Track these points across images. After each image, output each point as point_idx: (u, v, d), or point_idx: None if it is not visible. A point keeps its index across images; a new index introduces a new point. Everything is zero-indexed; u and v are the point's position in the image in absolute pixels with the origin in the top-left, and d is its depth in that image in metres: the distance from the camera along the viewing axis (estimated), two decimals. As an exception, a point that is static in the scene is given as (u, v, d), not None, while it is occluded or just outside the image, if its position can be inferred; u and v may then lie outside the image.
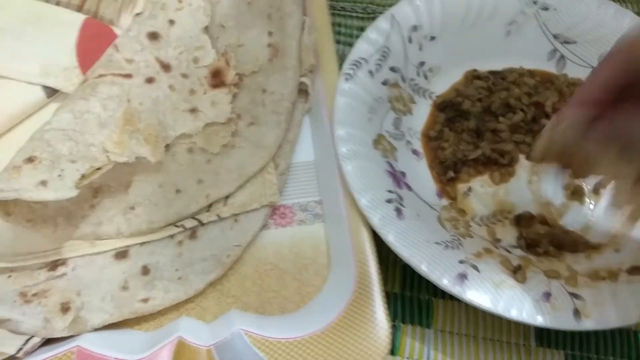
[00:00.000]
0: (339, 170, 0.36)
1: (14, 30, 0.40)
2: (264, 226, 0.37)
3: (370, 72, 0.40)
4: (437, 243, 0.34)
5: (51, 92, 0.39)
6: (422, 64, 0.42)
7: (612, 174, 0.31)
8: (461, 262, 0.33)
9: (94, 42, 0.40)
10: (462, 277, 0.32)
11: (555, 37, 0.42)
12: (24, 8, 0.41)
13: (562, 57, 0.42)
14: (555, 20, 0.42)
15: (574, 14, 0.42)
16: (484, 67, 0.42)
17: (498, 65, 0.42)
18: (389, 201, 0.35)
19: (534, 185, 0.38)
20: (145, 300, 0.33)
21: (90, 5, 0.42)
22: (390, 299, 0.36)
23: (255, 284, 0.35)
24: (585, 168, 0.30)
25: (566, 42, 0.42)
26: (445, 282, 0.32)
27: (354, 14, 0.47)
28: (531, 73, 0.42)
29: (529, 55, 0.42)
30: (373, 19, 0.41)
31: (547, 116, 0.39)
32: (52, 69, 0.39)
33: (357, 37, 0.41)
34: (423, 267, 0.32)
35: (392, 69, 0.41)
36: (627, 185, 0.29)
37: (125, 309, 0.32)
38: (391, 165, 0.37)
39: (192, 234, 0.35)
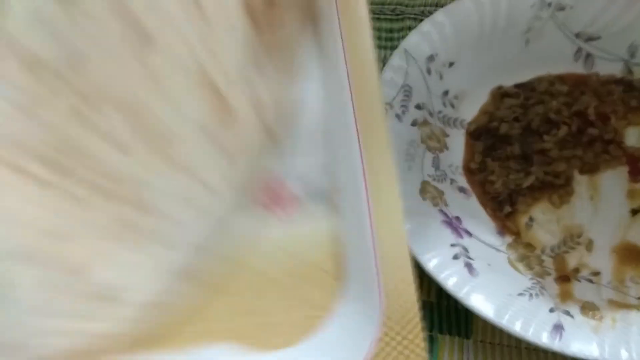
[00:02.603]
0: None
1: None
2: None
3: (398, 116, 0.37)
4: (520, 294, 0.31)
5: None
6: (446, 93, 0.39)
7: None
8: (551, 310, 0.30)
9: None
10: (559, 328, 0.30)
11: (577, 36, 0.40)
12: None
13: (589, 55, 0.40)
14: (574, 19, 0.39)
15: (592, 8, 0.39)
16: (510, 81, 0.40)
17: (524, 77, 0.40)
18: (455, 257, 0.32)
19: (596, 200, 0.36)
20: None
21: None
22: (426, 308, 0.34)
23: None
24: None
25: (590, 39, 0.40)
26: (545, 339, 0.29)
27: (382, 17, 0.44)
28: (561, 79, 0.39)
29: (553, 60, 0.40)
30: (402, 19, 0.39)
31: (592, 124, 0.37)
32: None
33: (386, 39, 0.38)
34: (517, 328, 0.29)
35: (418, 107, 0.38)
36: None
37: None
38: (444, 214, 0.35)
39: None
